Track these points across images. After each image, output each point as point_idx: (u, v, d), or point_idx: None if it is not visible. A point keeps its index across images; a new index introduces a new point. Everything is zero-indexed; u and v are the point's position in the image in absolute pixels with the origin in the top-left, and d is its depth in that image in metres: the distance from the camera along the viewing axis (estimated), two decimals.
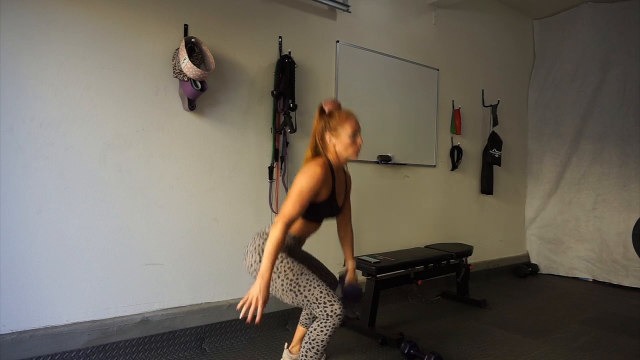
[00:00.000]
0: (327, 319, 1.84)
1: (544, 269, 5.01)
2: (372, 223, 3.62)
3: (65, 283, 2.24)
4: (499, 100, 4.56)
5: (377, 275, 2.96)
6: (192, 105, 2.58)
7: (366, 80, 3.55)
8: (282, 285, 1.89)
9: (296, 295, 1.88)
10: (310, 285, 1.87)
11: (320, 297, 1.85)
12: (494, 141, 4.53)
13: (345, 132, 1.94)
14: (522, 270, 4.82)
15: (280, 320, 2.98)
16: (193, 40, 2.56)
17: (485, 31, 4.60)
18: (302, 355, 1.90)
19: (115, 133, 2.39)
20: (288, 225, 1.79)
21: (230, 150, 2.81)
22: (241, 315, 1.66)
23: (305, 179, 1.83)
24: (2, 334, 2.08)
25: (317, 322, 1.87)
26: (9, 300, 2.09)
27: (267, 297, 1.69)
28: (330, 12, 3.32)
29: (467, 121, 4.38)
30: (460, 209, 4.38)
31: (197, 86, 2.50)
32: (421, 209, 4.01)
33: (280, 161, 2.98)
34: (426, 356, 2.42)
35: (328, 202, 1.96)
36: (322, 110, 1.98)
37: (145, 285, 2.48)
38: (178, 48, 2.49)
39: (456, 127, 4.24)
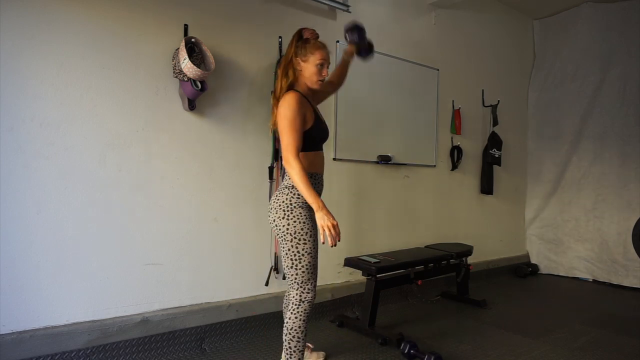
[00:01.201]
0: (299, 304, 1.97)
1: (544, 269, 5.01)
2: (372, 223, 3.62)
3: (65, 283, 2.24)
4: (499, 100, 4.56)
5: (377, 275, 2.96)
6: (192, 106, 2.58)
7: (366, 80, 3.54)
8: (291, 248, 1.96)
9: (292, 264, 1.97)
10: (307, 266, 1.97)
11: (304, 277, 1.97)
12: (494, 141, 4.53)
13: (314, 59, 2.00)
14: (522, 270, 4.82)
15: (280, 320, 2.97)
16: (193, 40, 2.56)
17: (485, 31, 4.60)
18: (286, 347, 1.99)
19: (115, 133, 2.39)
20: (297, 155, 1.86)
21: (230, 150, 2.81)
22: (330, 244, 1.80)
23: (286, 108, 1.91)
24: (2, 334, 2.08)
25: (290, 310, 1.98)
26: (9, 300, 2.09)
27: (333, 216, 1.82)
28: (330, 12, 3.32)
29: (467, 121, 4.38)
30: (460, 209, 4.38)
31: (197, 86, 2.50)
32: (421, 209, 4.01)
33: (280, 161, 2.98)
34: (426, 356, 2.43)
35: (317, 123, 2.03)
36: (299, 37, 2.05)
37: (145, 285, 2.48)
38: (178, 48, 2.49)
39: (456, 127, 4.24)
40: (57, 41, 2.21)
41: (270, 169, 2.95)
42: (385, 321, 3.17)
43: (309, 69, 2.01)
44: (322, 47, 2.03)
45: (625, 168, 4.43)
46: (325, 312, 3.21)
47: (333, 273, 3.33)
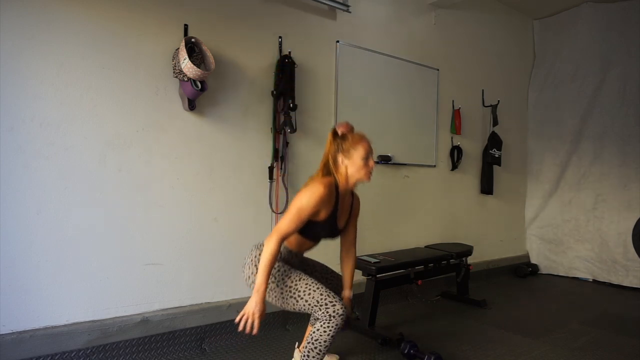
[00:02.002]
0: (330, 320, 1.85)
1: (544, 269, 5.01)
2: (372, 223, 3.62)
3: (65, 283, 2.24)
4: (499, 100, 4.56)
5: (377, 275, 2.96)
6: (192, 105, 2.58)
7: (366, 80, 3.55)
8: (282, 293, 1.91)
9: (297, 301, 1.89)
10: (309, 289, 1.88)
11: (321, 299, 1.86)
12: (494, 141, 4.53)
13: (358, 154, 1.95)
14: (522, 270, 4.82)
15: (280, 321, 2.98)
16: (193, 40, 2.56)
17: (485, 31, 4.60)
18: (305, 355, 1.91)
19: (115, 133, 2.39)
20: (282, 240, 1.82)
21: (230, 150, 2.81)
22: (239, 329, 1.74)
23: (306, 196, 1.84)
24: (2, 334, 2.08)
25: (320, 322, 1.87)
26: (9, 300, 2.09)
27: (264, 311, 1.76)
28: (330, 12, 3.32)
29: (467, 121, 4.38)
30: (460, 209, 4.38)
31: (197, 86, 2.50)
32: (421, 209, 4.01)
33: (281, 161, 2.98)
34: (426, 356, 2.42)
35: (327, 223, 1.95)
36: (335, 133, 1.99)
37: (145, 285, 2.48)
38: (178, 48, 2.49)
39: (456, 127, 4.24)
40: (57, 41, 2.21)
41: (270, 168, 2.95)
42: (385, 321, 3.17)
43: (355, 164, 1.95)
44: (363, 138, 1.99)
45: (625, 168, 4.43)
46: None
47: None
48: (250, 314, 1.74)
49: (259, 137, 2.93)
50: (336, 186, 1.96)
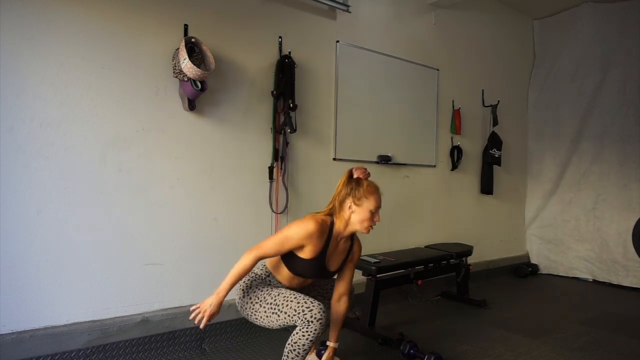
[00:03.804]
0: (309, 325, 1.84)
1: (544, 269, 5.01)
2: None
3: (65, 283, 2.24)
4: (499, 100, 4.56)
5: (377, 275, 2.96)
6: (192, 105, 2.58)
7: (366, 80, 3.55)
8: (265, 311, 1.92)
9: (278, 316, 1.89)
10: (286, 301, 1.88)
11: (298, 307, 1.85)
12: (494, 141, 4.53)
13: (369, 204, 1.93)
14: (522, 270, 4.81)
15: None
16: (193, 40, 2.56)
17: (485, 31, 4.60)
18: (285, 355, 1.91)
19: (115, 133, 2.39)
20: (259, 258, 1.86)
21: (230, 150, 2.81)
22: (190, 317, 1.82)
23: (296, 227, 1.88)
24: (2, 334, 2.08)
25: (299, 326, 1.86)
26: (9, 300, 2.09)
27: (215, 313, 1.82)
28: (330, 12, 3.32)
29: (467, 121, 4.38)
30: (460, 209, 4.38)
31: (197, 86, 2.50)
32: (421, 208, 4.01)
33: (281, 161, 2.98)
34: (426, 356, 2.42)
35: (314, 263, 1.93)
36: (350, 175, 1.98)
37: (145, 285, 2.48)
38: (178, 48, 2.49)
39: (456, 127, 4.24)
40: (57, 41, 2.21)
41: (270, 168, 2.94)
42: (385, 321, 3.17)
43: (361, 214, 1.93)
44: (377, 190, 1.97)
45: (625, 168, 4.43)
46: None
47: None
48: (203, 310, 1.80)
49: (259, 137, 2.93)
50: (331, 228, 1.95)
